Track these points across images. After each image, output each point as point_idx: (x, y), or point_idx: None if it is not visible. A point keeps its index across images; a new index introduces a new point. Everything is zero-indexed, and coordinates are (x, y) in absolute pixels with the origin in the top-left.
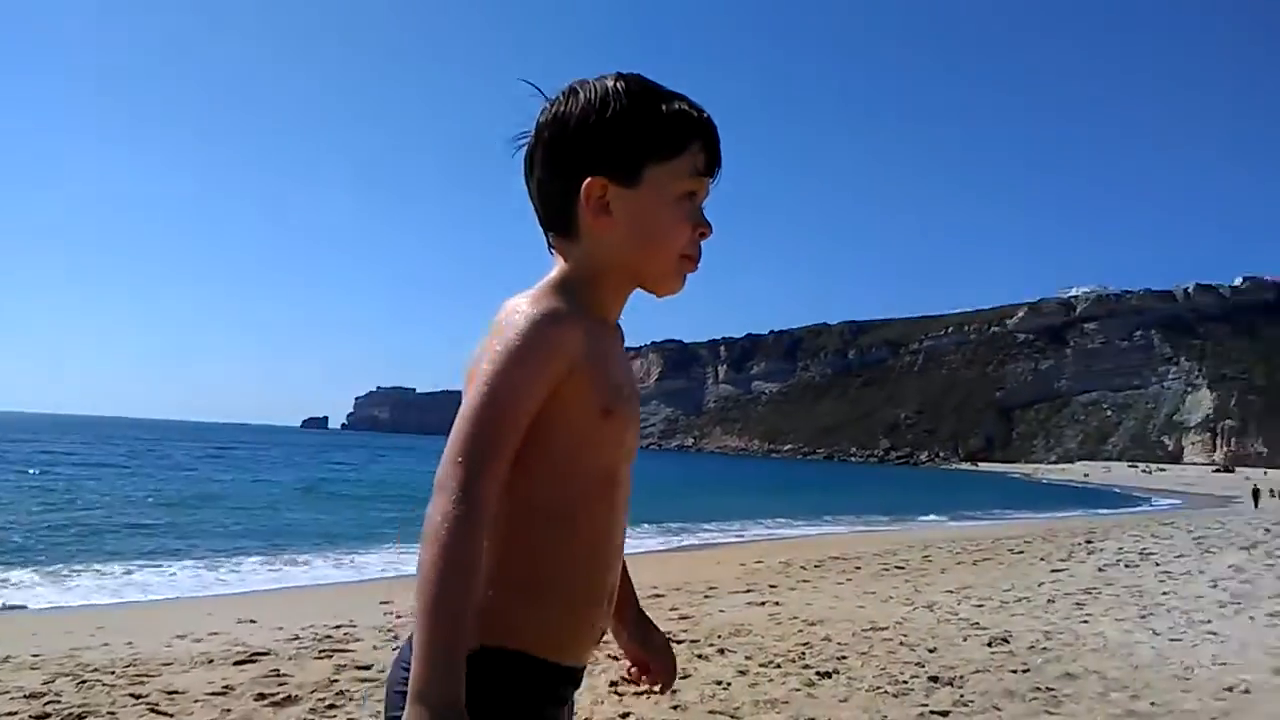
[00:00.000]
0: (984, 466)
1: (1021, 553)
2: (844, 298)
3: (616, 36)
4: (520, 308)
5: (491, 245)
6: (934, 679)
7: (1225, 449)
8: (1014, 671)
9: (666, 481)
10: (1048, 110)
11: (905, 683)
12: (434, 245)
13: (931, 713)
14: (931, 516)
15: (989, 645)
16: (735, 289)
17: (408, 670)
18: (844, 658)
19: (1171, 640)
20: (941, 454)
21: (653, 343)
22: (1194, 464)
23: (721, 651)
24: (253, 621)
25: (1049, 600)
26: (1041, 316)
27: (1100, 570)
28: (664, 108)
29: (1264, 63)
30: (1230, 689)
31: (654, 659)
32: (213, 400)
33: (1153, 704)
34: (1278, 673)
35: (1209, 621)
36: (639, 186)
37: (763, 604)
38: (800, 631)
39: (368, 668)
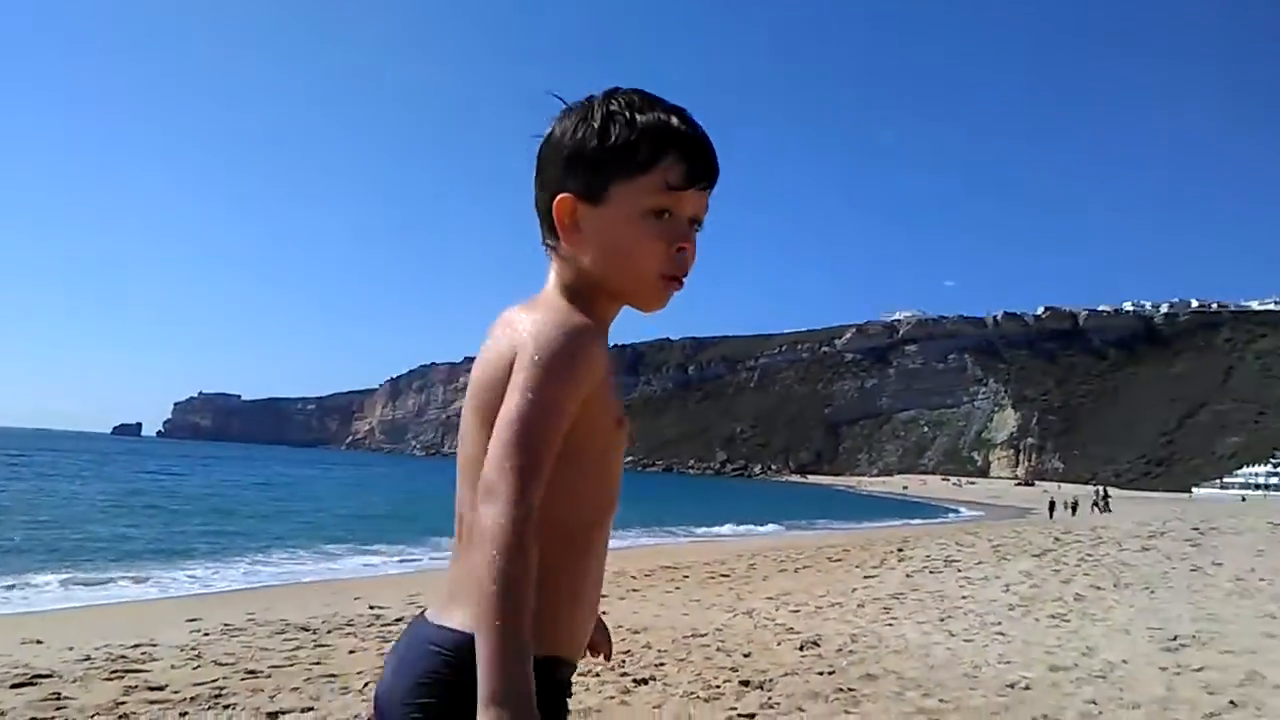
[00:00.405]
0: (813, 479)
1: (839, 560)
2: (686, 314)
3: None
4: (547, 320)
5: (318, 258)
6: (745, 683)
7: (1027, 464)
8: (821, 673)
9: None
10: (868, 154)
11: (717, 687)
12: (264, 250)
13: (739, 715)
14: (768, 526)
15: (800, 649)
16: None
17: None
18: (662, 664)
19: (965, 641)
20: (774, 467)
21: None
22: (1000, 478)
23: None
24: (39, 642)
25: (859, 605)
26: (867, 338)
27: (908, 576)
28: (639, 122)
29: (1049, 113)
30: (1012, 685)
31: (597, 632)
32: (9, 404)
33: (941, 701)
34: (1054, 670)
35: (999, 623)
36: (604, 204)
37: None
38: (623, 640)
39: (161, 688)
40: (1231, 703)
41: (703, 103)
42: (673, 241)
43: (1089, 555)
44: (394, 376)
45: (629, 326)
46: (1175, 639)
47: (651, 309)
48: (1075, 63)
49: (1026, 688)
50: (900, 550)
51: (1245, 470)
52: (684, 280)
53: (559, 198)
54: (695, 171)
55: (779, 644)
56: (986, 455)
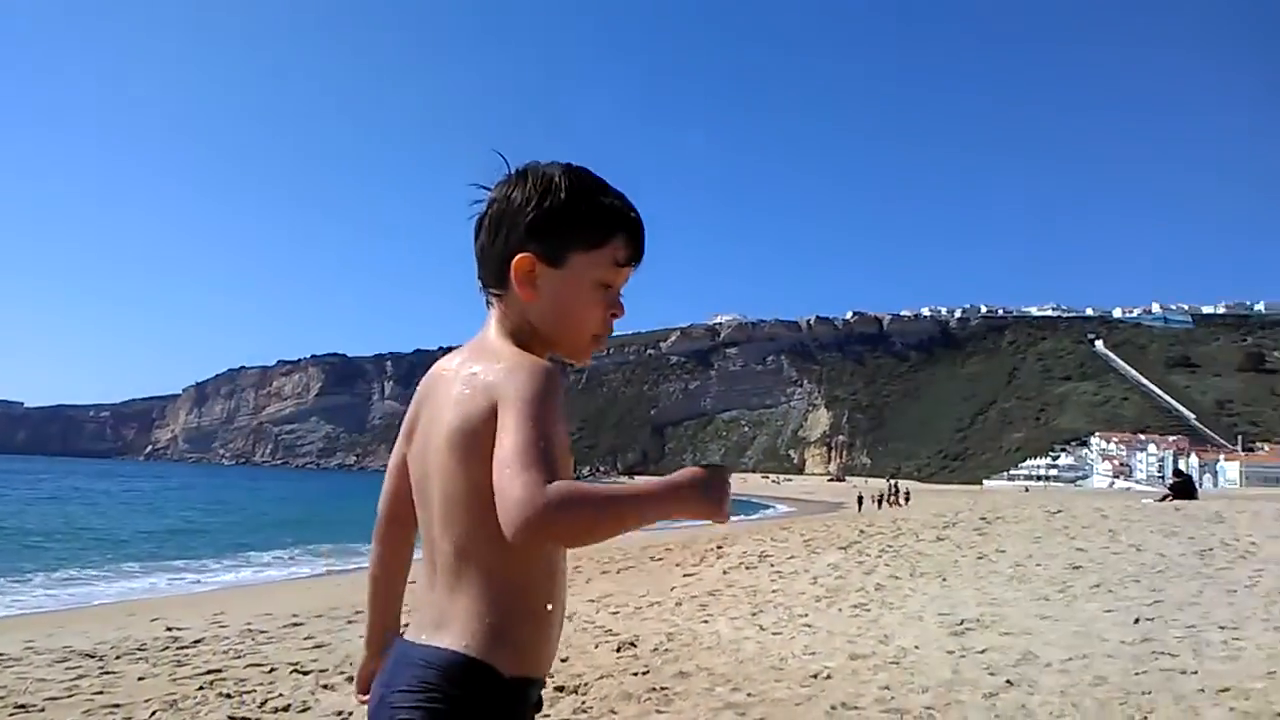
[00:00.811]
0: (640, 479)
1: (661, 559)
2: None
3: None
4: (520, 364)
5: (110, 254)
6: (560, 688)
7: (838, 461)
8: (636, 674)
9: (322, 503)
10: (681, 155)
11: None
12: (47, 245)
13: None
14: None
15: (618, 650)
16: (404, 302)
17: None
18: None
19: (774, 634)
20: (602, 468)
21: (313, 356)
22: (814, 474)
23: (351, 680)
24: None
25: (677, 604)
26: (691, 340)
27: (724, 573)
28: (597, 203)
29: (858, 136)
30: (815, 675)
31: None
32: None
33: (749, 694)
34: (853, 658)
35: (806, 615)
36: (562, 268)
37: None
38: None
39: None
40: (1008, 681)
41: (539, 101)
42: (609, 309)
43: (889, 546)
44: (199, 381)
45: (434, 330)
46: (962, 623)
47: (580, 362)
48: (880, 90)
49: (828, 677)
50: (719, 548)
51: (1028, 463)
52: (607, 340)
53: (521, 256)
54: (635, 253)
55: (597, 646)
56: (802, 453)
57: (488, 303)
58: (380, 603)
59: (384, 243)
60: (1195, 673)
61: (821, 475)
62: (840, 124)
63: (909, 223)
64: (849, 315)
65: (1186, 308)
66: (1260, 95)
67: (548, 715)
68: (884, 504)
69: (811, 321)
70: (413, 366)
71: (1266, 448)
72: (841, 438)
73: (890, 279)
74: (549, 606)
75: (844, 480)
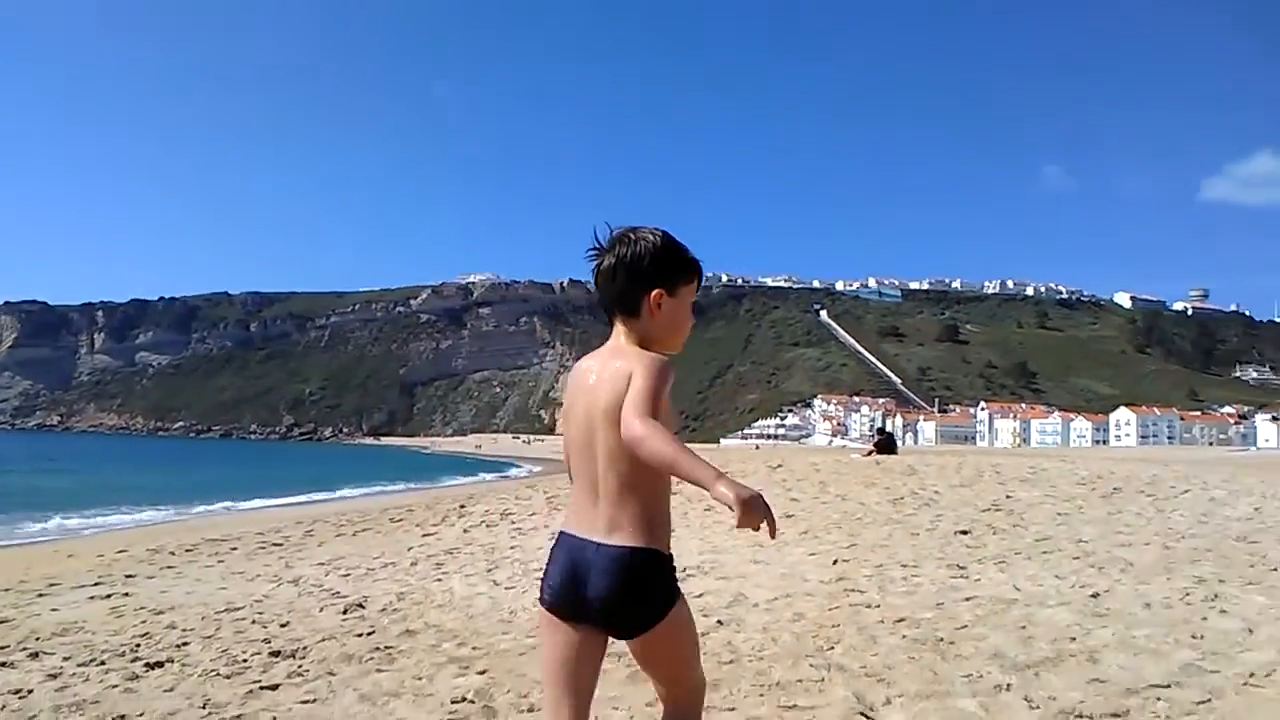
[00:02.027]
0: (386, 440)
1: (401, 520)
2: (246, 267)
3: None
4: (647, 355)
5: None
6: (275, 653)
7: None
8: (360, 635)
9: (18, 465)
10: (425, 109)
11: (244, 661)
12: None
13: (261, 688)
14: (337, 491)
15: (344, 613)
16: (119, 247)
17: (629, 567)
18: (185, 644)
19: (507, 589)
20: (345, 429)
21: (6, 303)
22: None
23: (35, 655)
24: None
25: (413, 563)
26: (443, 299)
27: (465, 532)
28: (685, 254)
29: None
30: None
31: None
32: None
33: (474, 648)
34: None
35: (540, 569)
36: (675, 297)
37: (108, 596)
38: (143, 622)
39: None
40: (719, 622)
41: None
42: (690, 320)
43: None
44: None
45: (180, 279)
46: (683, 570)
47: (676, 353)
48: (642, 44)
49: None
50: (462, 507)
51: (760, 423)
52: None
53: (656, 291)
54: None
55: (321, 610)
56: (554, 414)
57: (610, 322)
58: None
59: (96, 181)
60: (878, 606)
61: None
62: (603, 81)
63: (661, 191)
64: None
65: (897, 283)
66: (949, 107)
67: (258, 681)
68: None
69: (565, 284)
70: (128, 318)
71: (957, 409)
72: None
73: None
74: (669, 512)
75: None
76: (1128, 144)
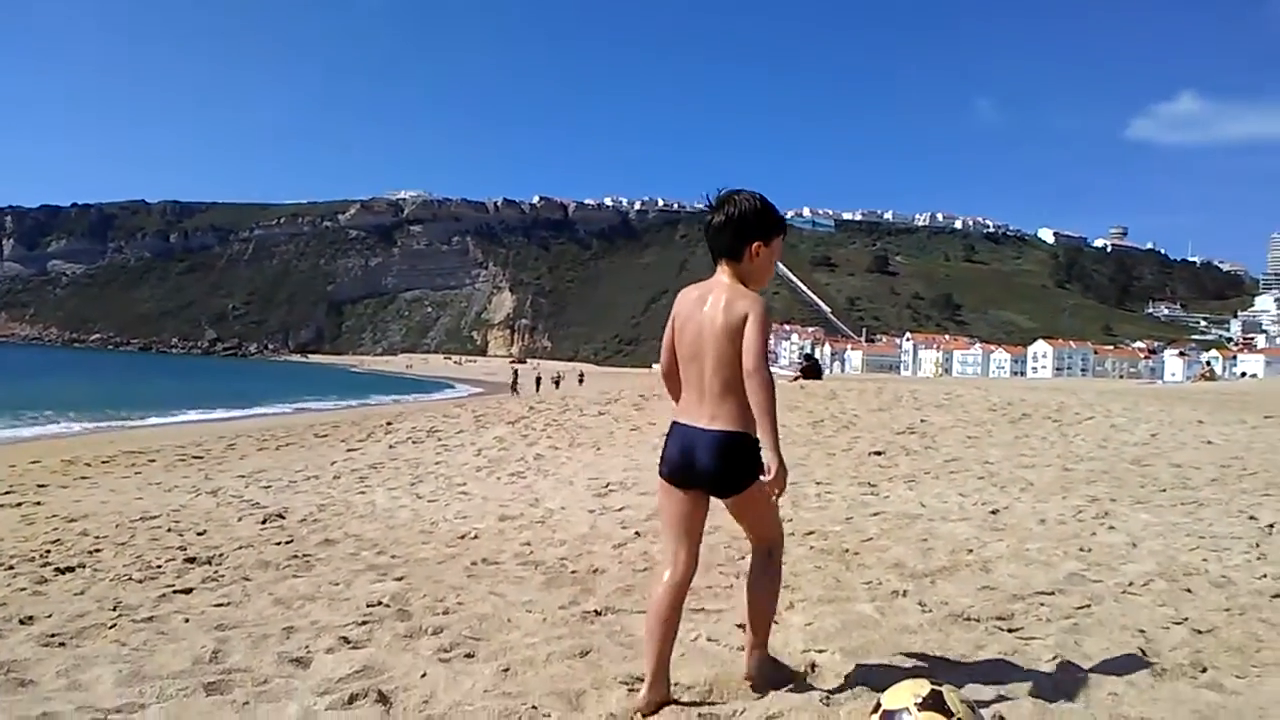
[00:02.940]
0: (314, 358)
1: (326, 436)
2: (166, 174)
3: None
4: (754, 295)
5: None
6: (191, 560)
7: (521, 343)
8: (278, 544)
9: None
10: (348, 18)
11: (158, 567)
12: None
13: (175, 591)
14: (264, 407)
15: (263, 523)
16: (30, 151)
17: (724, 445)
18: (98, 550)
19: (430, 502)
20: (271, 346)
21: None
22: (497, 356)
23: None
24: None
25: (335, 477)
26: (373, 215)
27: (391, 448)
28: (776, 214)
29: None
30: (463, 536)
31: None
32: None
33: (393, 556)
34: (502, 519)
35: (464, 484)
36: (769, 246)
37: (19, 505)
38: (55, 530)
39: None
40: (636, 533)
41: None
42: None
43: (555, 421)
44: None
45: (95, 185)
46: (607, 486)
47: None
48: None
49: (475, 537)
50: (389, 424)
51: None
52: None
53: (755, 243)
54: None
55: (240, 520)
56: (485, 335)
57: (716, 262)
58: (674, 395)
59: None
60: (790, 520)
61: (504, 357)
62: (530, 12)
63: (597, 107)
64: (536, 200)
65: (830, 213)
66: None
67: (171, 585)
68: (554, 384)
69: (499, 204)
70: (39, 225)
71: (884, 339)
72: (524, 321)
73: (576, 167)
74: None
75: (525, 362)
76: (1060, 81)
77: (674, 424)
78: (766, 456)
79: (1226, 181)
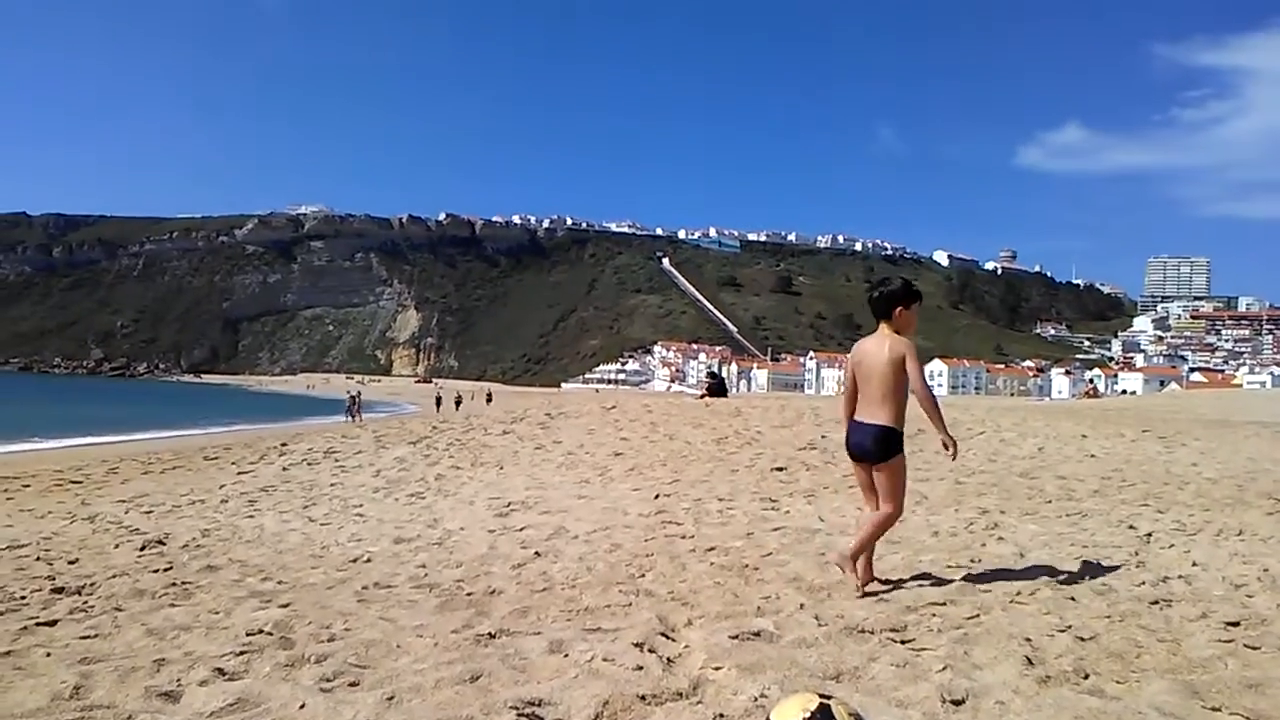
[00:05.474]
0: (208, 378)
1: (217, 458)
2: (49, 186)
3: None
4: (898, 338)
5: None
6: (59, 590)
7: (426, 362)
8: (156, 571)
9: None
10: (247, 20)
11: (22, 598)
12: None
13: (38, 624)
14: (157, 432)
15: (141, 549)
16: None
17: (880, 435)
18: None
19: (322, 525)
20: (162, 365)
21: None
22: (401, 376)
23: None
24: None
25: (223, 500)
26: (272, 230)
27: (284, 470)
28: (913, 289)
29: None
30: (355, 560)
31: None
32: None
33: (280, 583)
34: (398, 542)
35: (360, 506)
36: (909, 310)
37: None
38: None
39: None
40: (536, 553)
41: None
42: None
43: (458, 440)
44: None
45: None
46: (509, 505)
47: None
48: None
49: (368, 560)
50: (285, 445)
51: (602, 367)
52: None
53: (901, 309)
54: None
55: (117, 547)
56: (390, 354)
57: (878, 322)
58: (848, 415)
59: None
60: (692, 536)
61: (409, 377)
62: (438, 23)
63: (507, 129)
64: (442, 217)
65: (736, 234)
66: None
67: (35, 618)
68: (458, 406)
69: (404, 220)
70: None
71: (788, 358)
72: (431, 340)
73: (483, 184)
74: (904, 412)
75: (431, 382)
76: (955, 110)
77: (853, 421)
78: (944, 438)
79: (1107, 208)
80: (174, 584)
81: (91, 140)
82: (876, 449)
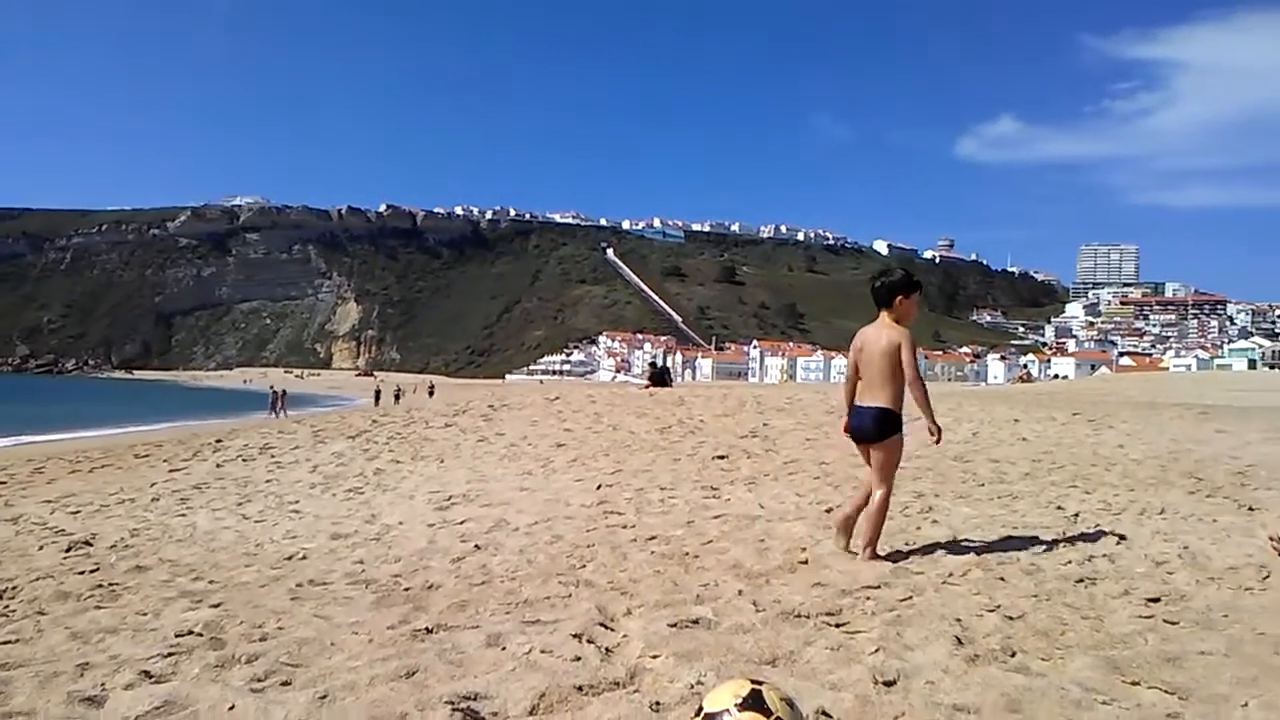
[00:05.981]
0: (140, 374)
1: (148, 456)
2: None
3: None
4: (897, 327)
5: None
6: None
7: (367, 355)
8: (82, 573)
9: None
10: (203, 44)
11: None
12: None
13: None
14: (86, 432)
15: (67, 551)
16: None
17: (878, 416)
18: None
19: (257, 522)
20: (92, 362)
21: None
22: (341, 369)
23: None
24: None
25: (154, 499)
26: (205, 222)
27: (218, 466)
28: (914, 279)
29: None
30: (290, 557)
31: None
32: None
33: (211, 582)
34: (335, 538)
35: (296, 502)
36: (910, 299)
37: None
38: None
39: None
40: (476, 546)
41: None
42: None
43: (399, 434)
44: None
45: None
46: (449, 499)
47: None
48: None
49: (303, 557)
50: (219, 441)
51: (547, 359)
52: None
53: (902, 297)
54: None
55: (41, 548)
56: (330, 347)
57: (879, 310)
58: (850, 399)
59: None
60: (634, 526)
61: (350, 370)
62: (374, 17)
63: (452, 119)
64: (382, 208)
65: (680, 224)
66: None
67: None
68: (398, 399)
69: (343, 211)
70: None
71: (732, 347)
72: (371, 332)
73: (425, 175)
74: (902, 396)
75: (372, 375)
76: (893, 100)
77: (854, 406)
78: (930, 425)
79: (1041, 198)
80: (100, 585)
81: (16, 131)
82: (874, 429)
